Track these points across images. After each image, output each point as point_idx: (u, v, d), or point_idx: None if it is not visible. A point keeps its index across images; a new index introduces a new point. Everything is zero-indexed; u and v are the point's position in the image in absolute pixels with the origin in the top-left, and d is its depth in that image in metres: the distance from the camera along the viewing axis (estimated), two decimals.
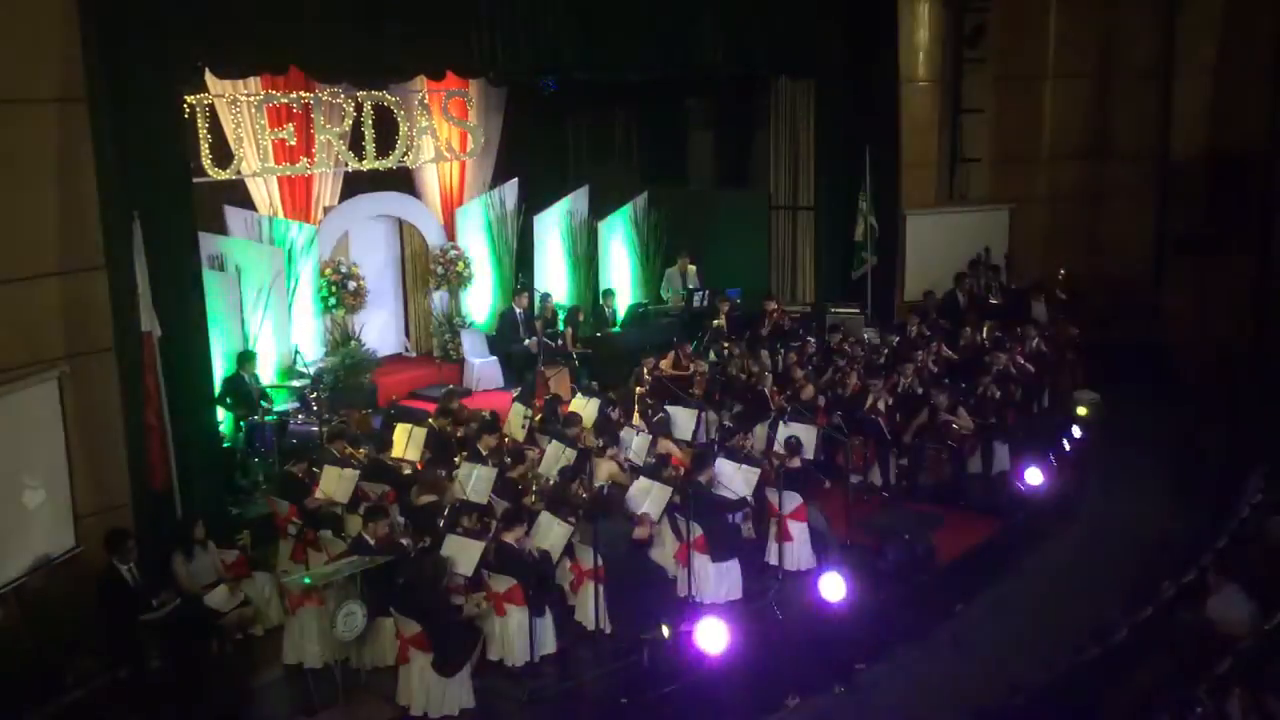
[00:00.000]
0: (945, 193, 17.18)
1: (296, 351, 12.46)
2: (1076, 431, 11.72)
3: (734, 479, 9.58)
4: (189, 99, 11.35)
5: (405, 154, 13.82)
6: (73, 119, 8.80)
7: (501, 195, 15.10)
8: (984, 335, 13.91)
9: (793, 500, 9.70)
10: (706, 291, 15.09)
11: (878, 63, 15.47)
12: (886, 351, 13.44)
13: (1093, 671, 7.68)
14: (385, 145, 13.64)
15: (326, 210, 13.74)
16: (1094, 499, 11.22)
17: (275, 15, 9.98)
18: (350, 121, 13.24)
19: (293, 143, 12.82)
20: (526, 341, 13.96)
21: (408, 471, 10.26)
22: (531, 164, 15.64)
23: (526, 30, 11.90)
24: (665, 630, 8.22)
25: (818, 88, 15.47)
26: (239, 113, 12.24)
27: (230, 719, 8.09)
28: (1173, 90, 16.46)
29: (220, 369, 11.01)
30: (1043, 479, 10.41)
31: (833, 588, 8.59)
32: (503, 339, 14.36)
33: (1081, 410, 12.29)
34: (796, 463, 9.96)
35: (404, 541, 8.59)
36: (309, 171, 13.21)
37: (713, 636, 7.94)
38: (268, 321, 12.25)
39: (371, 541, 8.34)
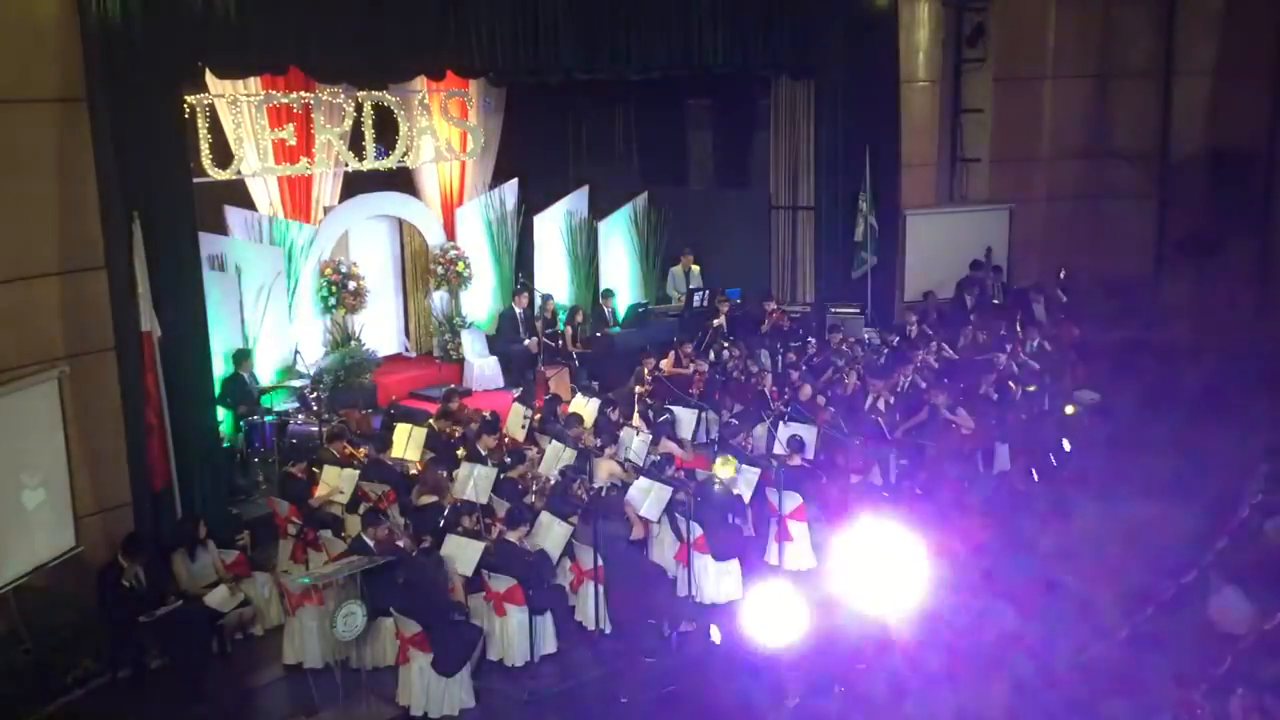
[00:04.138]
0: (945, 193, 17.18)
1: (296, 351, 12.47)
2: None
3: (734, 480, 9.58)
4: (189, 99, 11.33)
5: (405, 154, 13.82)
6: (73, 119, 8.81)
7: (501, 195, 15.09)
8: (984, 336, 13.90)
9: (793, 500, 9.71)
10: (706, 291, 15.10)
11: (878, 63, 15.46)
12: (886, 351, 13.44)
13: (1093, 671, 7.68)
14: (385, 145, 13.63)
15: (326, 210, 13.74)
16: (1094, 499, 11.20)
17: (275, 15, 9.98)
18: (350, 121, 13.23)
19: (293, 143, 12.81)
20: (526, 341, 13.97)
21: (412, 472, 10.26)
22: (531, 164, 15.63)
23: (526, 30, 11.90)
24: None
25: (818, 88, 15.46)
26: (239, 113, 12.24)
27: (230, 719, 8.09)
28: (1173, 90, 16.46)
29: (220, 369, 11.01)
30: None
31: None
32: (503, 339, 14.36)
33: (1069, 409, 12.28)
34: (797, 462, 9.96)
35: (402, 544, 8.59)
36: (309, 171, 13.21)
37: None
38: (268, 321, 12.26)
39: (372, 543, 8.34)
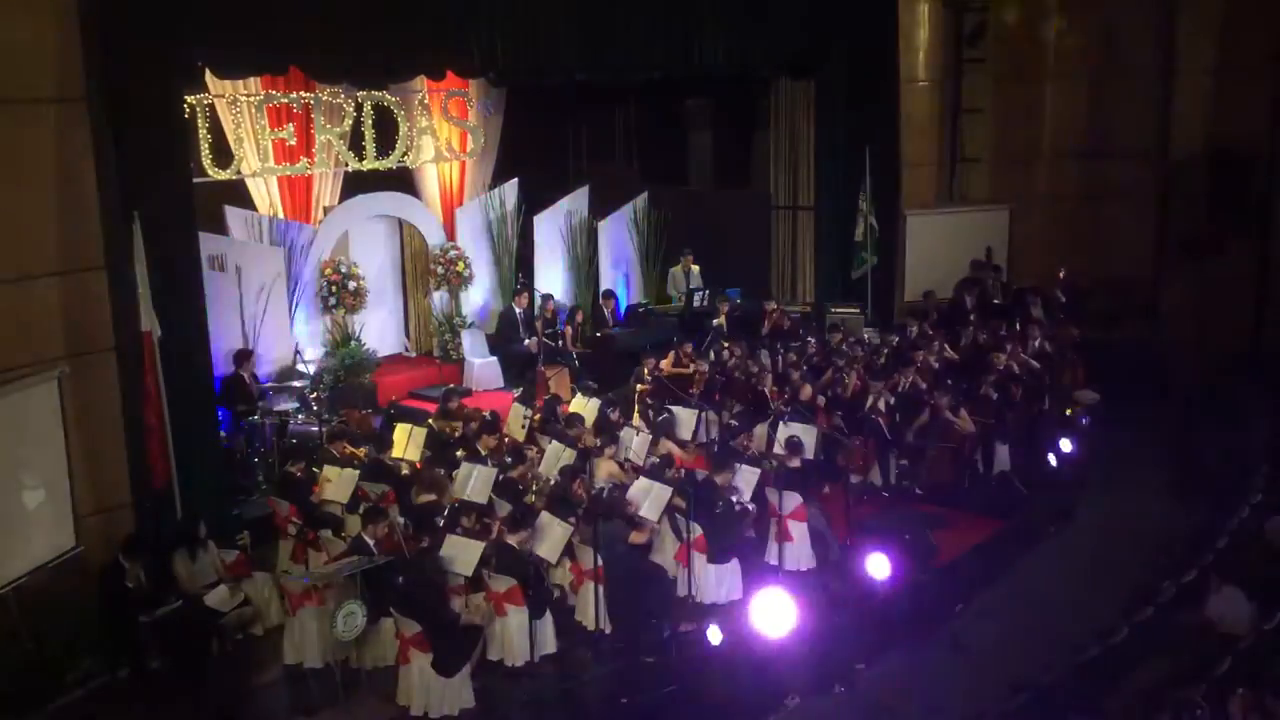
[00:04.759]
0: (945, 193, 17.17)
1: (296, 351, 12.47)
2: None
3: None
4: (189, 99, 11.35)
5: (405, 154, 13.82)
6: (73, 119, 8.80)
7: (501, 195, 15.10)
8: (984, 336, 13.89)
9: (793, 500, 9.70)
10: (706, 291, 15.10)
11: (878, 63, 15.46)
12: (886, 351, 13.44)
13: (1093, 671, 7.69)
14: (385, 145, 13.64)
15: (326, 210, 13.74)
16: (1094, 499, 11.21)
17: (275, 15, 9.98)
18: (350, 121, 13.24)
19: (293, 143, 12.83)
20: (526, 341, 13.97)
21: (407, 472, 10.26)
22: (531, 164, 15.64)
23: (526, 30, 11.91)
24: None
25: (818, 88, 15.46)
26: (239, 113, 12.25)
27: (230, 719, 8.09)
28: (1173, 90, 16.44)
29: (220, 369, 11.01)
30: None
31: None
32: (503, 339, 14.37)
33: (1069, 410, 12.28)
34: (796, 463, 9.96)
35: (402, 544, 8.58)
36: (309, 171, 13.21)
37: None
38: (268, 321, 12.26)
39: (371, 542, 8.34)
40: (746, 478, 9.61)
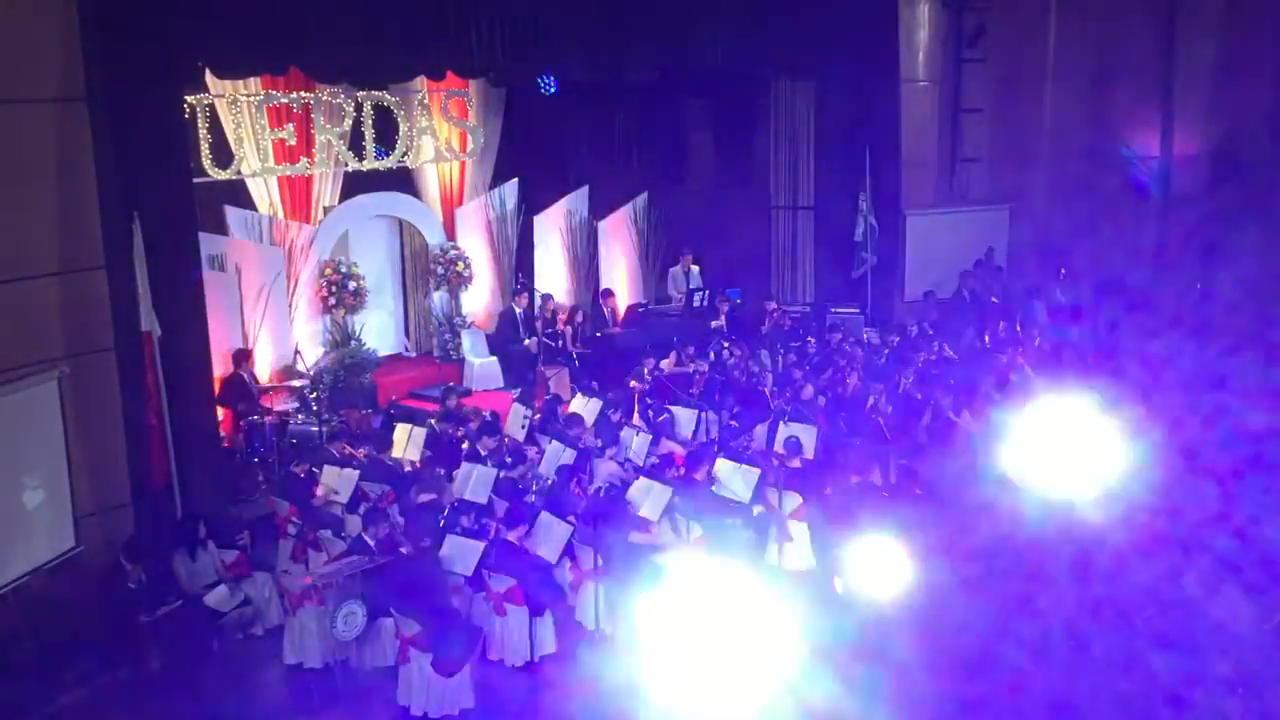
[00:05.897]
0: (945, 193, 17.19)
1: (296, 351, 12.47)
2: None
3: (734, 479, 9.57)
4: (189, 99, 11.35)
5: (405, 154, 13.82)
6: (73, 119, 8.80)
7: (501, 195, 15.10)
8: (984, 336, 13.90)
9: (793, 500, 9.70)
10: (706, 291, 15.10)
11: (878, 63, 15.46)
12: (887, 352, 13.44)
13: (1093, 671, 7.69)
14: (385, 145, 13.64)
15: (326, 210, 13.74)
16: (1094, 499, 11.18)
17: (275, 15, 9.98)
18: (350, 121, 13.24)
19: (293, 143, 12.82)
20: (526, 341, 13.98)
21: (408, 471, 10.27)
22: (531, 164, 15.63)
23: (526, 30, 11.91)
24: None
25: (818, 88, 15.47)
26: (239, 113, 12.25)
27: (230, 719, 8.09)
28: (1173, 90, 16.47)
29: (220, 369, 11.01)
30: None
31: None
32: (503, 339, 14.37)
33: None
34: (796, 463, 9.96)
35: (402, 545, 8.58)
36: (309, 171, 13.21)
37: None
38: (268, 321, 12.26)
39: (372, 543, 8.34)
40: (746, 477, 9.61)
